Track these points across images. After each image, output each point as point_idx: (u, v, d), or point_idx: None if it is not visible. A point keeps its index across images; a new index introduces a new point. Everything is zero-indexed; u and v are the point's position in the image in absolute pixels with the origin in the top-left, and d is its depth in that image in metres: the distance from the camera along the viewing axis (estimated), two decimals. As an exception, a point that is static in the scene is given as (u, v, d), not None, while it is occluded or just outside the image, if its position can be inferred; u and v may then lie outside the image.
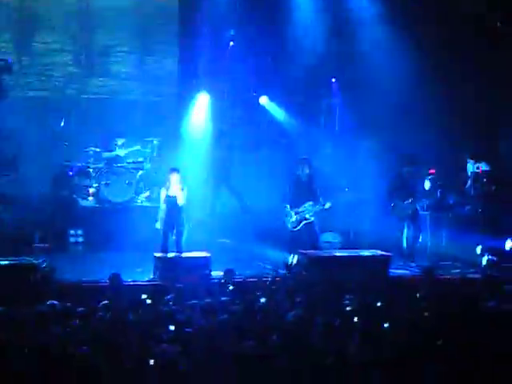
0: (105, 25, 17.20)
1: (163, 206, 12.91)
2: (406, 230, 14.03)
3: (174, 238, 12.87)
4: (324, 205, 13.57)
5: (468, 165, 15.22)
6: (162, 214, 12.91)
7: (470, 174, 15.22)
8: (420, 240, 14.16)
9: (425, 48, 16.38)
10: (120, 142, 15.76)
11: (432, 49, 16.48)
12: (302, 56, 16.98)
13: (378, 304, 9.76)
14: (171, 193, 12.84)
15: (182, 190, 12.85)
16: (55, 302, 9.20)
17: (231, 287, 10.69)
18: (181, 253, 12.74)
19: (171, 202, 12.81)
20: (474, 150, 15.38)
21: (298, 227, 13.66)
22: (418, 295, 10.22)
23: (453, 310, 9.31)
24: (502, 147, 16.64)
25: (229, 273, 11.58)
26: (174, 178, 12.82)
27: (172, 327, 8.42)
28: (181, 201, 12.81)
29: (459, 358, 7.54)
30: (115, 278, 10.91)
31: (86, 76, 17.22)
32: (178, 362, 7.37)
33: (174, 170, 12.98)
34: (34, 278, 11.23)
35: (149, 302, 9.59)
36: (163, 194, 12.95)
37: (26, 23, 16.91)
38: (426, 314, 9.24)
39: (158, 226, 12.93)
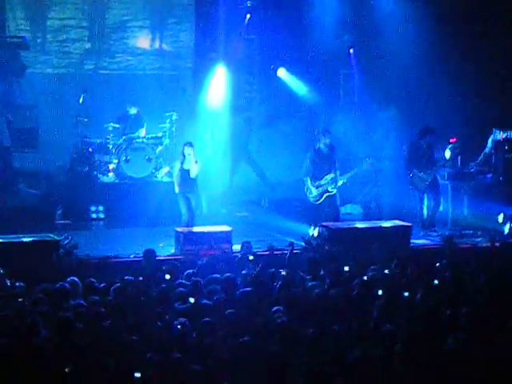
0: (119, 0, 17.15)
1: (177, 178, 13.17)
2: (426, 200, 13.98)
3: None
4: (337, 182, 13.54)
5: (492, 136, 15.03)
6: (175, 184, 13.24)
7: (490, 144, 15.06)
8: (441, 209, 14.10)
9: (443, 16, 16.20)
10: (133, 110, 15.68)
11: (450, 17, 16.29)
12: (319, 27, 16.86)
13: (400, 274, 9.77)
14: (185, 166, 13.07)
15: (196, 162, 13.13)
16: (75, 279, 9.25)
17: (251, 257, 10.72)
18: (193, 225, 12.86)
19: (184, 174, 13.08)
20: (497, 118, 15.22)
21: (321, 200, 13.61)
22: (439, 264, 10.19)
23: (475, 279, 9.30)
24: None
25: (246, 245, 11.60)
26: (189, 152, 13.05)
27: (192, 300, 8.48)
28: (194, 174, 13.03)
29: (483, 326, 7.54)
30: (149, 254, 10.98)
31: (102, 52, 17.22)
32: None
33: (188, 143, 13.25)
34: (57, 255, 11.29)
35: (167, 277, 9.63)
36: (177, 166, 13.19)
37: (40, 0, 16.88)
38: (447, 282, 9.25)
39: (177, 190, 13.25)
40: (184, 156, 13.16)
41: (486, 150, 14.94)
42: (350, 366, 6.78)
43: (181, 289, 8.95)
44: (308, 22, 16.91)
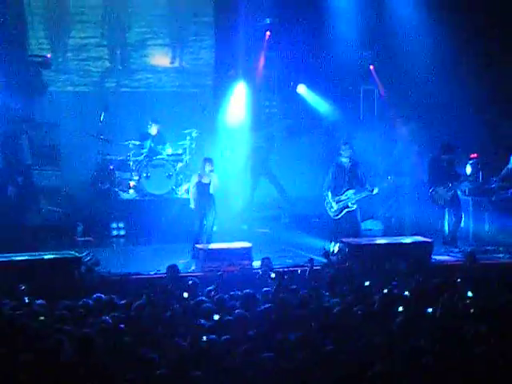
0: (139, 18, 17.26)
1: (193, 191, 13.23)
2: (446, 216, 13.93)
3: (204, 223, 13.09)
4: (372, 190, 13.50)
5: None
6: (192, 198, 13.25)
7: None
8: (462, 225, 14.04)
9: (465, 32, 16.13)
10: (153, 128, 15.77)
11: (472, 33, 16.23)
12: (338, 43, 16.89)
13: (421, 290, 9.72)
14: (204, 180, 13.14)
15: (215, 178, 13.19)
16: (101, 295, 9.28)
17: (273, 275, 10.69)
18: (210, 241, 12.87)
19: (203, 188, 13.11)
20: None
21: (340, 215, 13.58)
22: (460, 280, 10.13)
23: (496, 296, 9.23)
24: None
25: (266, 261, 11.59)
26: (208, 168, 13.14)
27: (216, 317, 8.46)
28: (212, 189, 13.11)
29: (503, 344, 7.48)
30: (172, 270, 11.01)
31: (123, 70, 17.33)
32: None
33: (208, 159, 13.30)
34: (79, 272, 11.33)
35: (185, 295, 9.61)
36: (195, 179, 13.23)
37: (61, 19, 17.03)
38: (468, 299, 9.19)
39: (193, 205, 13.25)
40: (204, 171, 13.19)
41: (509, 165, 14.86)
42: (371, 382, 6.74)
43: (207, 304, 8.95)
44: (327, 39, 16.94)
